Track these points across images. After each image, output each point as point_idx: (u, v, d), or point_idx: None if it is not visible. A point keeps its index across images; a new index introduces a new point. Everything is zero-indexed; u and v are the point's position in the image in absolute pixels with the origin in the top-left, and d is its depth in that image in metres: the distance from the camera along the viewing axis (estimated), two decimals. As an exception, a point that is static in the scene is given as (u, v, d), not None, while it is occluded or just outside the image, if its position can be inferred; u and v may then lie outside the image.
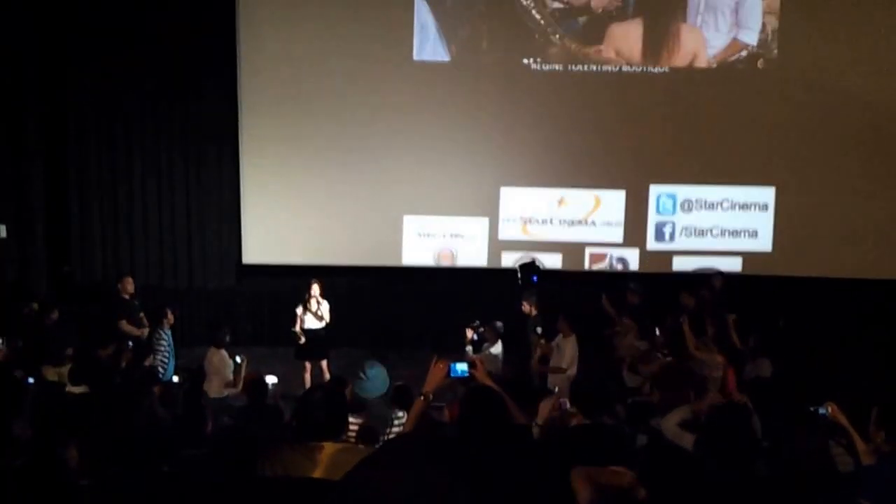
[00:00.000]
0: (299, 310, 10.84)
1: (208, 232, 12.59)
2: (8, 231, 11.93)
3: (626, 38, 12.23)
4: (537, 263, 10.36)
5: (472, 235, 12.52)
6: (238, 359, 9.13)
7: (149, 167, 12.37)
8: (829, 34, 12.09)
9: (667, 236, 12.55)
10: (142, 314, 10.83)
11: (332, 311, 10.93)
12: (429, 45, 12.22)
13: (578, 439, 4.63)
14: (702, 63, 12.24)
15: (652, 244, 12.54)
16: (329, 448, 3.73)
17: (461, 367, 4.79)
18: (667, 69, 12.21)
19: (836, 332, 11.62)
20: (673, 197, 12.50)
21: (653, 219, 12.52)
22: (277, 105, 12.25)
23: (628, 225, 12.47)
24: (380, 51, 12.13)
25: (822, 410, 5.21)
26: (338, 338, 11.30)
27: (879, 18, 12.09)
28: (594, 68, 12.22)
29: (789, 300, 11.65)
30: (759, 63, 12.24)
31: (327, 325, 10.90)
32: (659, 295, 10.99)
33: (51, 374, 8.75)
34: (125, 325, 10.54)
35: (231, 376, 9.11)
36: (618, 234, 12.52)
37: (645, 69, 12.22)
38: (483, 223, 12.50)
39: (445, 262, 12.55)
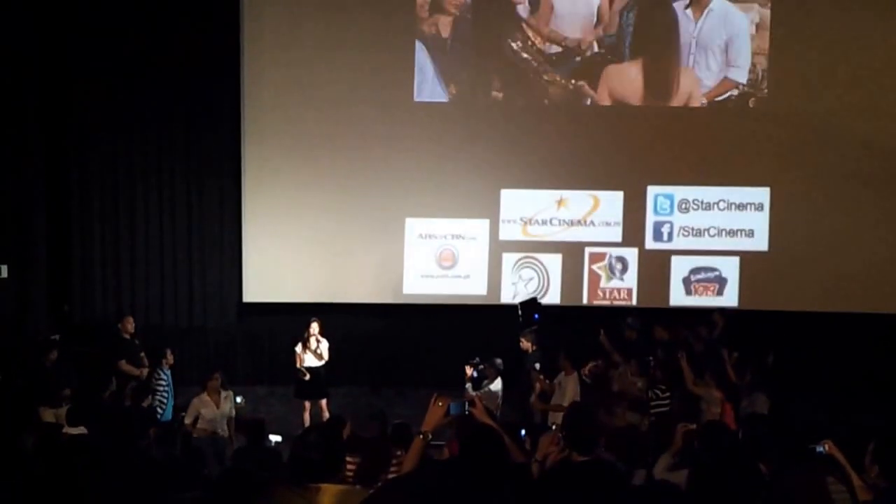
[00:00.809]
0: (299, 348, 10.81)
1: (209, 271, 12.56)
2: (9, 271, 11.94)
3: (621, 80, 12.35)
4: (538, 301, 10.35)
5: (472, 236, 12.54)
6: (239, 399, 9.19)
7: (150, 206, 12.36)
8: (818, 74, 12.21)
9: (665, 236, 12.61)
10: (142, 354, 10.80)
11: (331, 349, 10.91)
12: (427, 86, 12.30)
13: (576, 477, 4.59)
14: (696, 103, 12.35)
15: (650, 244, 12.59)
16: (326, 489, 3.69)
17: (460, 406, 4.76)
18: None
19: (829, 365, 11.65)
20: (670, 197, 12.57)
21: (651, 219, 12.58)
22: (279, 146, 12.28)
23: (627, 225, 12.53)
24: (381, 92, 12.19)
25: (819, 448, 5.19)
26: (337, 376, 11.26)
27: (867, 59, 12.21)
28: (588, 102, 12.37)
29: (783, 333, 11.66)
30: (751, 102, 12.35)
31: (327, 363, 10.87)
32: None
33: (48, 415, 8.71)
34: (125, 365, 10.50)
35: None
36: (616, 234, 12.57)
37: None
38: (483, 225, 12.53)
39: (446, 264, 12.54)
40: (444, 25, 12.25)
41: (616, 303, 12.57)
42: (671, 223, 12.59)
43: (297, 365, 10.78)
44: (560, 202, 12.52)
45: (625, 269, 12.58)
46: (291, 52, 12.17)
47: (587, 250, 12.57)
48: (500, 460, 3.97)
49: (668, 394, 9.05)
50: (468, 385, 9.71)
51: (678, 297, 12.62)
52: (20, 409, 8.22)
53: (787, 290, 12.42)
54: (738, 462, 4.46)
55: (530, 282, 12.55)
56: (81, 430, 7.85)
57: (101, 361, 10.62)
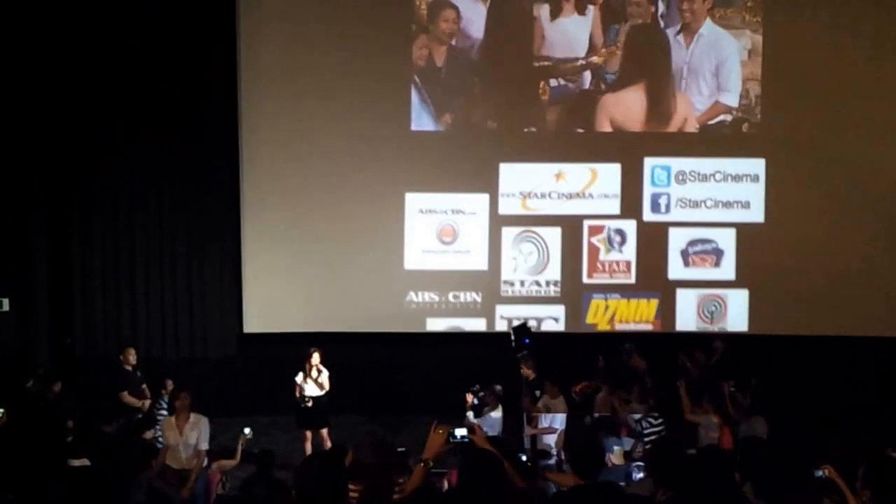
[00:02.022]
0: (299, 378, 10.80)
1: (209, 302, 12.58)
2: (10, 304, 11.97)
3: (619, 108, 12.47)
4: (529, 326, 10.36)
5: (472, 211, 12.59)
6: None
7: (150, 238, 12.42)
8: (810, 99, 12.33)
9: (662, 208, 12.63)
10: (144, 386, 10.81)
11: (332, 378, 10.91)
12: (423, 116, 12.43)
13: (577, 500, 4.63)
14: (691, 128, 12.48)
15: (648, 215, 12.63)
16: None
17: (461, 433, 4.80)
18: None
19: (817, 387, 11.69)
20: (667, 169, 12.61)
21: (648, 191, 12.61)
22: (278, 176, 12.37)
23: (625, 197, 12.57)
24: (378, 123, 12.29)
25: (819, 473, 5.23)
26: (339, 405, 11.26)
27: (860, 84, 12.32)
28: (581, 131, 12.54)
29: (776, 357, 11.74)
30: (745, 127, 12.45)
31: (328, 393, 10.87)
32: (656, 355, 11.08)
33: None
34: (127, 397, 10.51)
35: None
36: (615, 207, 12.61)
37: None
38: (483, 199, 12.57)
39: (447, 239, 12.59)
40: (439, 55, 12.39)
41: (615, 276, 12.61)
42: (668, 195, 12.62)
43: (298, 395, 10.77)
44: (558, 176, 12.57)
45: (623, 241, 12.62)
46: (289, 84, 12.29)
47: (586, 223, 12.62)
48: (500, 486, 4.01)
49: (660, 421, 9.06)
50: (469, 412, 9.72)
51: (676, 269, 12.64)
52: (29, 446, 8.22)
53: (784, 264, 12.42)
54: (733, 487, 4.49)
55: (530, 256, 12.61)
56: (84, 461, 7.86)
57: (103, 393, 10.63)
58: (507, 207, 12.57)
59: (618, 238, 12.62)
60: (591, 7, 12.32)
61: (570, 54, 12.39)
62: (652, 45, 12.41)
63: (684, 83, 12.42)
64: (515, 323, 10.39)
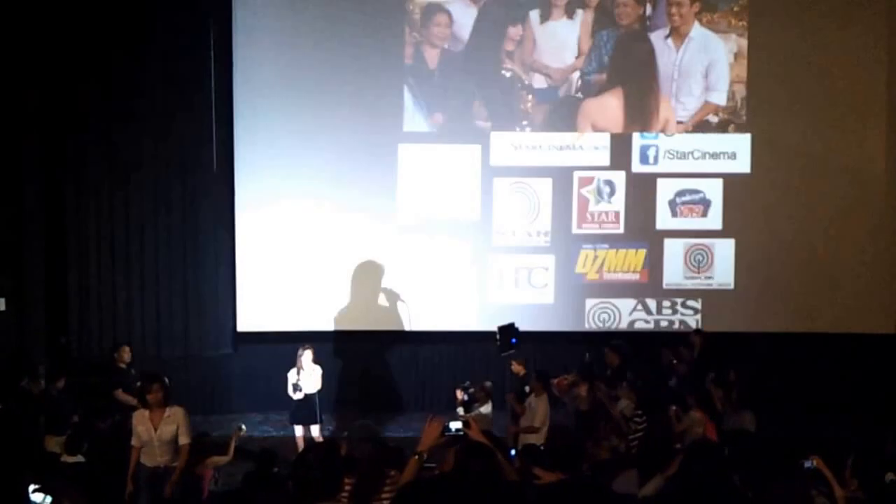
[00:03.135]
0: (292, 375, 10.77)
1: (204, 301, 12.53)
2: (7, 304, 11.91)
3: (600, 111, 12.50)
4: (516, 326, 10.34)
5: (465, 161, 12.60)
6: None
7: (145, 237, 12.35)
8: (795, 101, 12.39)
9: (650, 159, 12.62)
10: (138, 384, 10.74)
11: (324, 375, 10.88)
12: (415, 117, 12.44)
13: (559, 495, 4.60)
14: (672, 129, 12.49)
15: (637, 167, 12.62)
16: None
17: (455, 426, 4.79)
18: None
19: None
20: None
21: (637, 142, 12.61)
22: (272, 177, 12.36)
23: (614, 148, 12.57)
24: (371, 124, 12.30)
25: (808, 464, 5.23)
26: (331, 402, 11.23)
27: (842, 86, 12.42)
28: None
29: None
30: (731, 128, 12.49)
31: (319, 390, 10.85)
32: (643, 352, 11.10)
33: (52, 444, 8.68)
34: (121, 395, 10.44)
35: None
36: (604, 158, 12.61)
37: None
38: (475, 150, 12.58)
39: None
40: (432, 58, 12.39)
41: (604, 226, 12.64)
42: (657, 146, 12.61)
43: (290, 391, 10.74)
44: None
45: (612, 192, 12.61)
46: (283, 83, 12.29)
47: (576, 174, 12.62)
48: (492, 476, 3.99)
49: (644, 418, 9.03)
50: (459, 409, 9.70)
51: (664, 219, 12.67)
52: (26, 439, 8.19)
53: (768, 216, 12.52)
54: (722, 478, 4.48)
55: (521, 206, 12.64)
56: (79, 458, 7.83)
57: (98, 391, 10.59)
58: (498, 158, 12.58)
59: (607, 189, 12.62)
60: (580, 11, 12.34)
61: (558, 58, 12.43)
62: (638, 50, 12.43)
63: (675, 85, 12.45)
64: (502, 323, 10.31)
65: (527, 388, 9.91)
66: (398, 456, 6.61)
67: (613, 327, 12.59)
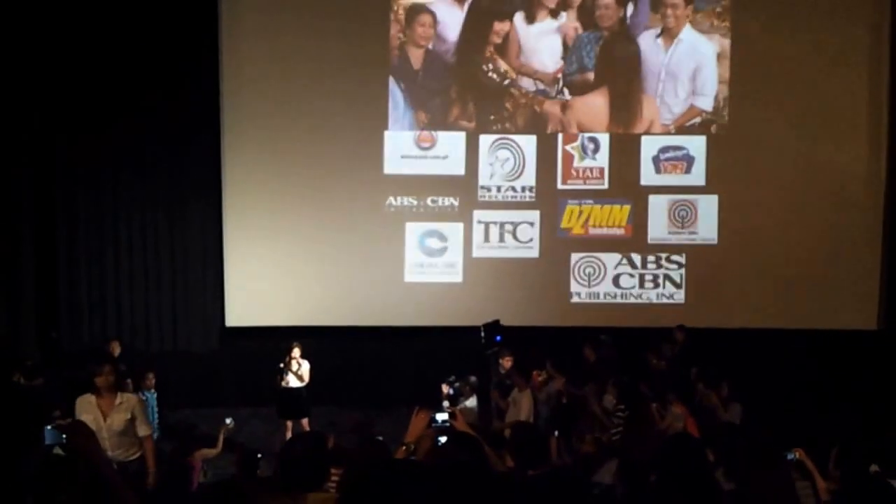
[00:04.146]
0: (281, 370, 10.74)
1: (192, 296, 12.50)
2: (-1, 299, 11.85)
3: (588, 112, 12.50)
4: (501, 323, 10.30)
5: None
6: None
7: (133, 234, 12.32)
8: (775, 102, 12.38)
9: None
10: (129, 380, 10.70)
11: (312, 370, 10.84)
12: (400, 117, 12.41)
13: (543, 486, 4.56)
14: (657, 129, 12.48)
15: None
16: (312, 498, 3.66)
17: (441, 417, 4.77)
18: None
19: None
20: None
21: None
22: (260, 172, 12.33)
23: None
24: (356, 122, 12.28)
25: (790, 455, 5.22)
26: (319, 397, 11.18)
27: (821, 87, 12.42)
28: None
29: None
30: (713, 129, 12.48)
31: (307, 385, 10.81)
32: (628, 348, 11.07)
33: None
34: (110, 388, 10.37)
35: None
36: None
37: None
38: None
39: (425, 145, 12.55)
40: (416, 58, 12.35)
41: (588, 182, 12.63)
42: None
43: (278, 385, 10.70)
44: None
45: (597, 149, 12.58)
46: (269, 81, 12.24)
47: (560, 134, 12.59)
48: (478, 466, 3.94)
49: (626, 412, 9.00)
50: (445, 403, 9.67)
51: (648, 175, 12.63)
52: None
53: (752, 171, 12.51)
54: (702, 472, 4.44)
55: (506, 162, 12.60)
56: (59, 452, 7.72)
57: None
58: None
59: (591, 146, 12.60)
60: (564, 13, 12.31)
61: (543, 59, 12.41)
62: (623, 52, 12.42)
63: (661, 86, 12.44)
64: (487, 320, 10.27)
65: (507, 381, 9.90)
66: (384, 449, 6.57)
67: (598, 281, 12.61)
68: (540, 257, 12.66)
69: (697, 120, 12.50)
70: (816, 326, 12.39)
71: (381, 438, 7.01)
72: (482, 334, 10.10)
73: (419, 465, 3.82)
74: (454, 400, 9.60)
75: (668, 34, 12.35)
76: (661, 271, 12.68)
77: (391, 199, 12.53)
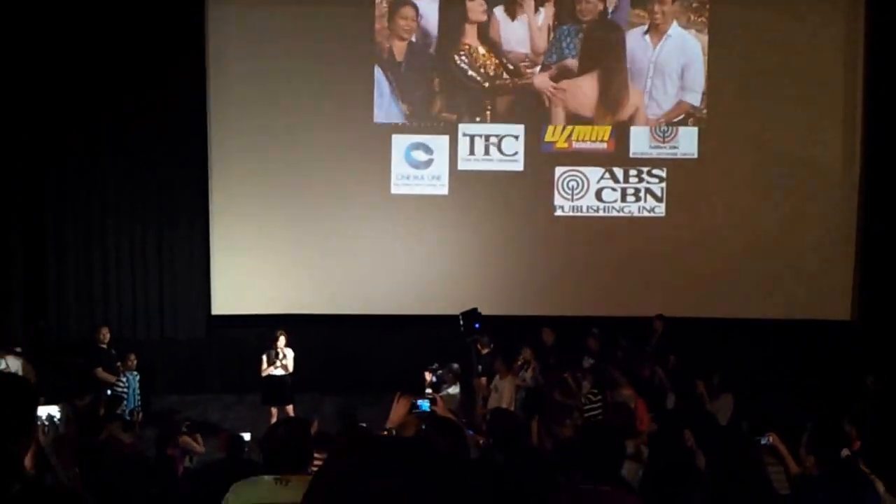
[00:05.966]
0: (265, 360, 10.74)
1: (179, 285, 12.46)
2: (-14, 289, 11.78)
3: (570, 102, 12.51)
4: (479, 311, 10.29)
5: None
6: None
7: (121, 223, 12.27)
8: (751, 94, 12.42)
9: None
10: (119, 364, 10.76)
11: (297, 358, 10.84)
12: (385, 107, 12.39)
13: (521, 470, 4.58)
14: (641, 119, 12.50)
15: None
16: (296, 480, 3.66)
17: (423, 403, 4.78)
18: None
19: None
20: None
21: None
22: (246, 163, 12.31)
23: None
24: (342, 114, 12.29)
25: (763, 440, 5.26)
26: (303, 384, 11.18)
27: (801, 78, 12.46)
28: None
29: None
30: (690, 122, 12.54)
31: (291, 372, 10.81)
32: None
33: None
34: (101, 373, 10.47)
35: None
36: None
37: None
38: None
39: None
40: (399, 49, 12.35)
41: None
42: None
43: (263, 373, 10.70)
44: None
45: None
46: (256, 74, 12.23)
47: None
48: (458, 450, 3.96)
49: (599, 397, 8.99)
50: (428, 390, 9.68)
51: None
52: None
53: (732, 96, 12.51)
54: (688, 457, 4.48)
55: None
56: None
57: (77, 370, 10.53)
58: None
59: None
60: (544, 6, 12.32)
61: (524, 51, 12.40)
62: (604, 44, 12.44)
63: (650, 82, 12.46)
64: (465, 308, 10.26)
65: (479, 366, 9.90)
66: (370, 435, 6.58)
67: (581, 195, 12.63)
68: (524, 170, 12.64)
69: (681, 116, 12.56)
70: (791, 317, 12.45)
71: (364, 425, 7.04)
72: (461, 322, 10.10)
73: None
74: (437, 387, 9.62)
75: (656, 31, 12.38)
76: (642, 185, 12.69)
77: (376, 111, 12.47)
